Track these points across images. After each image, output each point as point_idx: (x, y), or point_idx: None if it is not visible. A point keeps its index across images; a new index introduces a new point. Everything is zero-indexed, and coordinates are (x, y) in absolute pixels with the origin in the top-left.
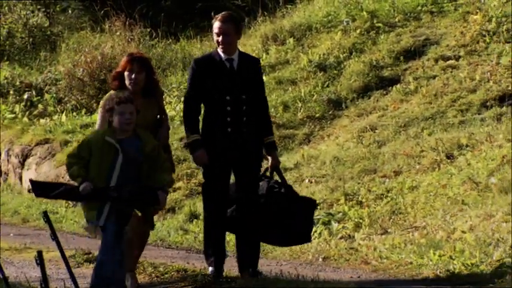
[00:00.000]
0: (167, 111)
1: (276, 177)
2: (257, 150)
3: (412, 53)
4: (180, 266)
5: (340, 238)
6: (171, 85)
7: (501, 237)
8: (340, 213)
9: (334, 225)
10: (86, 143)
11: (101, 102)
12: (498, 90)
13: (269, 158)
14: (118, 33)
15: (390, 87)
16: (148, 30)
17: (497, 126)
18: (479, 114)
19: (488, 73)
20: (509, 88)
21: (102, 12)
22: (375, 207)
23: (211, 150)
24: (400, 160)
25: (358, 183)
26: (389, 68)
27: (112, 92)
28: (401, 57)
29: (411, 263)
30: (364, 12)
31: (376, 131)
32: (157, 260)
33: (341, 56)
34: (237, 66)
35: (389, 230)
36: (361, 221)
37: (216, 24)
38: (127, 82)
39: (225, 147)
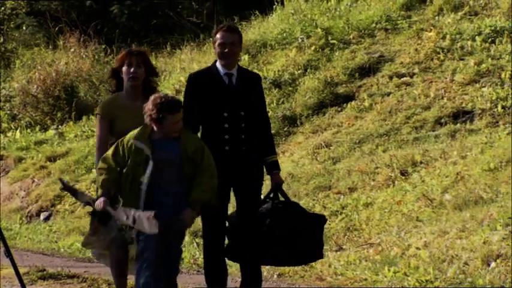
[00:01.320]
0: None
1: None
2: (257, 170)
3: (367, 70)
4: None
5: None
6: None
7: (455, 254)
8: None
9: None
10: (118, 148)
11: (98, 108)
12: (452, 107)
13: (271, 178)
14: (72, 49)
15: (345, 104)
16: (103, 46)
17: (452, 143)
18: (433, 131)
19: (443, 90)
20: (464, 105)
21: (56, 28)
22: (329, 224)
23: None
24: (355, 177)
25: (313, 199)
26: (344, 85)
27: (114, 95)
28: (356, 74)
29: (366, 279)
30: (319, 29)
31: (331, 147)
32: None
33: (296, 72)
34: (236, 81)
35: (344, 247)
36: None
37: (220, 34)
38: (125, 77)
39: (223, 167)
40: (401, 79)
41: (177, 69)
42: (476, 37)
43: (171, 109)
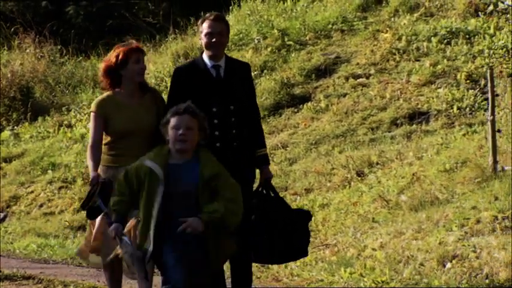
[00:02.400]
0: (78, 129)
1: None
2: (249, 165)
3: (323, 71)
4: (91, 284)
5: None
6: (82, 103)
7: (411, 255)
8: None
9: None
10: (131, 171)
11: (92, 106)
12: (408, 108)
13: (260, 172)
14: (28, 50)
15: (301, 105)
16: (59, 47)
17: (407, 144)
18: (389, 132)
19: (399, 91)
20: (419, 106)
21: (11, 29)
22: None
23: None
24: (311, 178)
25: None
26: (300, 86)
27: (109, 93)
28: (312, 75)
29: (322, 280)
30: (275, 30)
31: (287, 148)
32: (68, 278)
33: (252, 73)
34: (224, 73)
35: None
36: None
37: (207, 24)
38: (133, 74)
39: None
40: (358, 80)
41: None
42: (432, 38)
43: (174, 111)
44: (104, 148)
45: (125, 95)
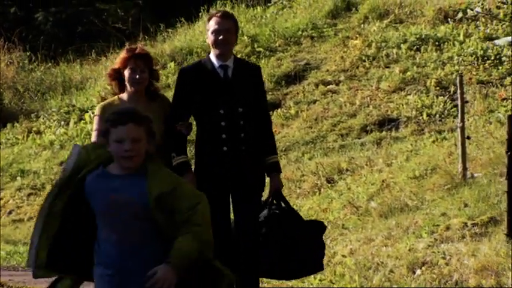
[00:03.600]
0: (47, 135)
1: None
2: (257, 172)
3: (293, 78)
4: None
5: None
6: (51, 109)
7: (381, 262)
8: None
9: None
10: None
11: (97, 109)
12: (378, 115)
13: (270, 181)
14: None
15: (271, 112)
16: (28, 53)
17: (377, 150)
18: (359, 138)
19: (368, 98)
20: (389, 113)
21: None
22: None
23: (205, 174)
24: None
25: None
26: (270, 93)
27: (114, 97)
28: (282, 82)
29: (292, 287)
30: (245, 37)
31: None
32: (37, 285)
33: None
34: (232, 74)
35: None
36: None
37: (215, 21)
38: (128, 82)
39: (221, 169)
40: (327, 87)
41: (102, 76)
42: (402, 45)
43: (114, 120)
44: None
45: (130, 100)
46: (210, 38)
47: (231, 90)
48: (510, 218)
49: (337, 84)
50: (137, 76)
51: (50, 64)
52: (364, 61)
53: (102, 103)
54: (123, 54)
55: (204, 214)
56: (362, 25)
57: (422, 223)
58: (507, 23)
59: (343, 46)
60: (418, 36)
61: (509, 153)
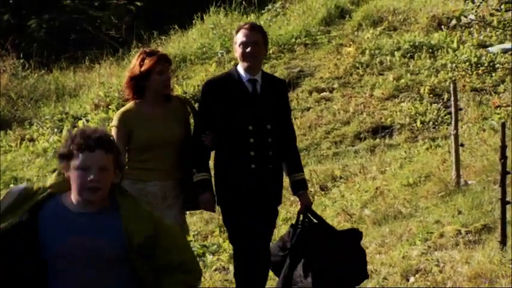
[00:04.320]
0: (41, 143)
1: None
2: (278, 192)
3: (287, 85)
4: None
5: (215, 270)
6: (44, 117)
7: (374, 269)
8: (215, 245)
9: (209, 257)
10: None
11: (114, 120)
12: (371, 122)
13: (298, 199)
14: None
15: None
16: (21, 61)
17: (371, 158)
18: (352, 146)
19: (362, 105)
20: (383, 120)
21: None
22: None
23: (233, 193)
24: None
25: None
26: None
27: (131, 104)
28: None
29: None
30: None
31: None
32: None
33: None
34: (261, 89)
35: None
36: None
37: (243, 33)
38: (157, 85)
39: (249, 188)
40: (321, 94)
41: (96, 83)
42: (395, 52)
43: (81, 143)
44: (129, 163)
45: (148, 105)
46: (237, 51)
47: (260, 106)
48: (503, 226)
49: (330, 92)
50: (166, 78)
51: (43, 71)
52: (358, 68)
53: (120, 111)
54: (150, 57)
55: (189, 251)
56: (356, 32)
57: (416, 230)
58: (501, 30)
59: (336, 53)
60: (411, 43)
61: (502, 160)
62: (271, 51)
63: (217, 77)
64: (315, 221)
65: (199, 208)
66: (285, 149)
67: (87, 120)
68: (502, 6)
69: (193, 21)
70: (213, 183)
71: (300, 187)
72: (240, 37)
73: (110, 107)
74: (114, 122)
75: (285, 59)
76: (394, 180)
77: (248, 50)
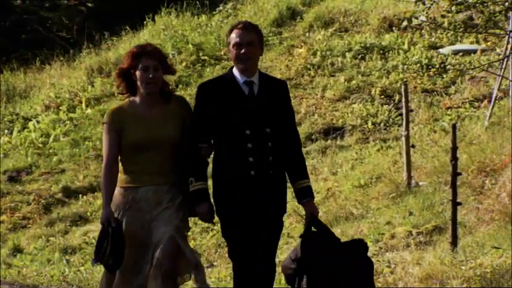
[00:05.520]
0: None
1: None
2: (282, 201)
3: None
4: None
5: None
6: None
7: None
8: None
9: None
10: None
11: (105, 116)
12: (323, 124)
13: (303, 208)
14: None
15: None
16: None
17: (322, 159)
18: (304, 147)
19: (313, 106)
20: (334, 121)
21: None
22: (201, 240)
23: (232, 203)
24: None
25: None
26: None
27: (125, 101)
28: None
29: None
30: (190, 45)
31: None
32: None
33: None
34: (258, 91)
35: (215, 263)
36: None
37: (236, 33)
38: (140, 83)
39: (249, 197)
40: None
41: (46, 84)
42: (347, 53)
43: None
44: (119, 167)
45: (142, 103)
46: (231, 52)
47: (258, 109)
48: (454, 227)
49: None
50: (150, 75)
51: None
52: (309, 70)
53: (111, 108)
54: (131, 51)
55: None
56: (307, 34)
57: (367, 232)
58: (452, 32)
59: (288, 55)
60: (363, 44)
61: (453, 161)
62: (222, 52)
63: (211, 80)
64: (320, 231)
65: (196, 216)
66: (287, 154)
67: (38, 122)
68: (453, 8)
69: (145, 22)
70: (211, 192)
71: (304, 195)
72: (233, 38)
73: (60, 108)
74: (105, 119)
75: None
76: (346, 182)
77: (242, 51)
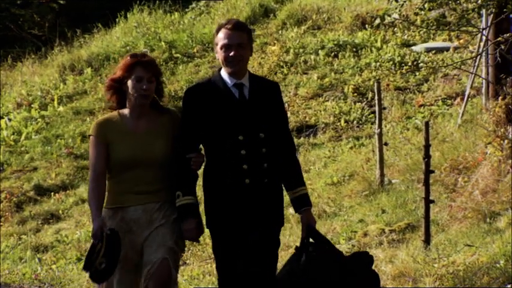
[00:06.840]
0: None
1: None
2: (278, 211)
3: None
4: None
5: None
6: None
7: None
8: None
9: None
10: None
11: (91, 128)
12: (296, 121)
13: (300, 218)
14: None
15: None
16: None
17: None
18: None
19: (286, 104)
20: (307, 119)
21: None
22: None
23: (225, 214)
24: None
25: None
26: None
27: (113, 113)
28: None
29: None
30: (163, 43)
31: None
32: None
33: None
34: (249, 94)
35: (188, 261)
36: None
37: (224, 33)
38: (133, 93)
39: (244, 208)
40: None
41: (18, 82)
42: (320, 51)
43: None
44: (107, 184)
45: (131, 115)
46: (219, 54)
47: (250, 113)
48: (427, 225)
49: None
50: (144, 86)
51: None
52: (282, 67)
53: (98, 120)
54: (126, 60)
55: None
56: (280, 31)
57: (340, 229)
58: (424, 30)
59: (261, 52)
60: (335, 42)
61: (426, 159)
62: (195, 50)
63: (198, 84)
64: (319, 244)
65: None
66: (282, 161)
67: (10, 119)
68: (426, 5)
69: (117, 20)
70: (203, 204)
71: (301, 204)
72: (221, 38)
73: (32, 105)
74: (91, 131)
75: (209, 58)
76: (318, 179)
77: (232, 53)
